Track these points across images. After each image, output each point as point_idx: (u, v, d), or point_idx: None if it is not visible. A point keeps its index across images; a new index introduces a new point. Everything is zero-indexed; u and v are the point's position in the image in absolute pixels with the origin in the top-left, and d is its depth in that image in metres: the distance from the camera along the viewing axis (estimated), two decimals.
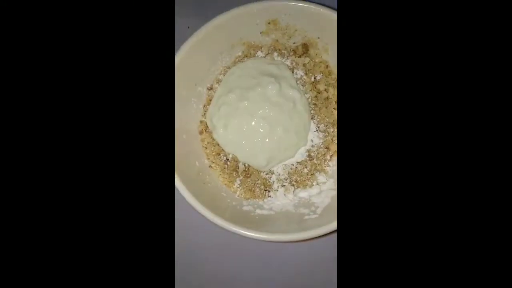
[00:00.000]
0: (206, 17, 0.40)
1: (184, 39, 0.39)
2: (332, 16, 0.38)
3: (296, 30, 0.42)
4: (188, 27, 0.43)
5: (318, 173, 0.43)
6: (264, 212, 0.41)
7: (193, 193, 0.37)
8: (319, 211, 0.40)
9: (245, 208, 0.41)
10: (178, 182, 0.37)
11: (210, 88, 0.45)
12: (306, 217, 0.39)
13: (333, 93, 0.44)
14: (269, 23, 0.41)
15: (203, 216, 0.36)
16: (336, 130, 0.44)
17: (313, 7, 0.38)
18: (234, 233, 0.35)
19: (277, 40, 0.43)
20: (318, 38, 0.42)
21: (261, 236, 0.35)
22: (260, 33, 0.42)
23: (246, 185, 0.43)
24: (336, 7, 0.38)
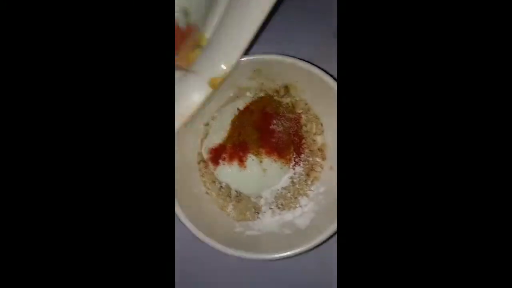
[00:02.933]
0: None
1: None
2: (304, 66, 0.45)
3: (277, 76, 0.49)
4: None
5: (300, 196, 0.50)
6: (254, 232, 0.48)
7: (191, 219, 0.44)
8: (299, 232, 0.46)
9: (236, 229, 0.48)
10: (178, 209, 0.44)
11: (207, 124, 0.52)
12: (288, 237, 0.46)
13: (310, 126, 0.51)
14: (254, 71, 0.48)
15: (200, 239, 0.43)
16: (315, 158, 0.50)
17: (288, 60, 0.45)
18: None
19: (262, 83, 0.50)
20: (297, 81, 0.49)
21: (249, 256, 0.42)
22: (248, 78, 0.49)
23: (238, 208, 0.50)
24: (306, 57, 0.46)
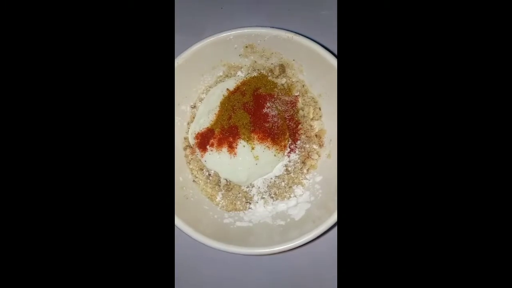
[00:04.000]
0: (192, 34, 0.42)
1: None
2: (304, 42, 0.40)
3: (272, 53, 0.45)
4: None
5: (295, 186, 0.46)
6: (244, 224, 0.44)
7: (176, 211, 0.39)
8: (293, 223, 0.42)
9: (225, 221, 0.44)
10: None
11: (193, 106, 0.47)
12: (281, 229, 0.42)
13: (308, 110, 0.46)
14: (246, 47, 0.44)
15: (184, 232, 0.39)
16: (312, 145, 0.46)
17: (285, 34, 0.40)
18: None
19: (255, 61, 0.46)
20: (293, 60, 0.44)
21: (238, 250, 0.38)
22: (239, 55, 0.45)
23: (228, 198, 0.46)
24: (305, 33, 0.41)
